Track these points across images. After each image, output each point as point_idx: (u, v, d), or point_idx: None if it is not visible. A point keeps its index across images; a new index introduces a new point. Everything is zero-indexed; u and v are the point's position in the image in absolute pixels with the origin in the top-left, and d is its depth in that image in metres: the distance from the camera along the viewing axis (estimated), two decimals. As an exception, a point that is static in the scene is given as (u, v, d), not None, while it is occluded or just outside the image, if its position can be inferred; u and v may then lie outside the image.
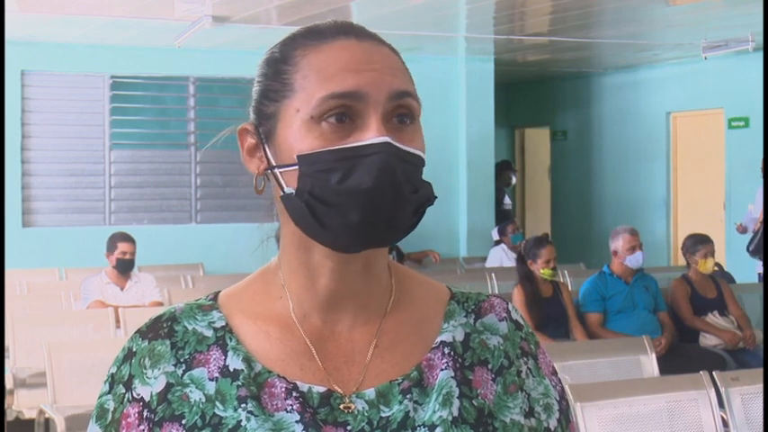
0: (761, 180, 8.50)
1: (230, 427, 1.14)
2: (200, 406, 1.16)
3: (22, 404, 5.99)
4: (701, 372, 4.22)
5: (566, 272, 8.13)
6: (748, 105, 10.73)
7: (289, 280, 1.22)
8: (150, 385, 1.18)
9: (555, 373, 1.30)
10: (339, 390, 1.18)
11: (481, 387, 1.21)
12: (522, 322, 1.29)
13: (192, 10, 8.05)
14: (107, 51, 9.82)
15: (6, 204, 9.01)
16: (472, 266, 9.86)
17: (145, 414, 1.18)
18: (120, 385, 1.20)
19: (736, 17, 8.60)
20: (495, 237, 10.33)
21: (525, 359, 1.26)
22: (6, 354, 6.14)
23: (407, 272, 1.30)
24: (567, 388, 3.92)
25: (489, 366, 1.23)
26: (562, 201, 13.71)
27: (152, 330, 1.21)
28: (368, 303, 1.22)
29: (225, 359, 1.18)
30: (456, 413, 1.17)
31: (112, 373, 1.22)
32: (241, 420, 1.14)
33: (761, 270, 8.34)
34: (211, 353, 1.19)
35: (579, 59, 11.71)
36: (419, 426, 1.16)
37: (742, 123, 10.97)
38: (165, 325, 1.21)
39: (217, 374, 1.18)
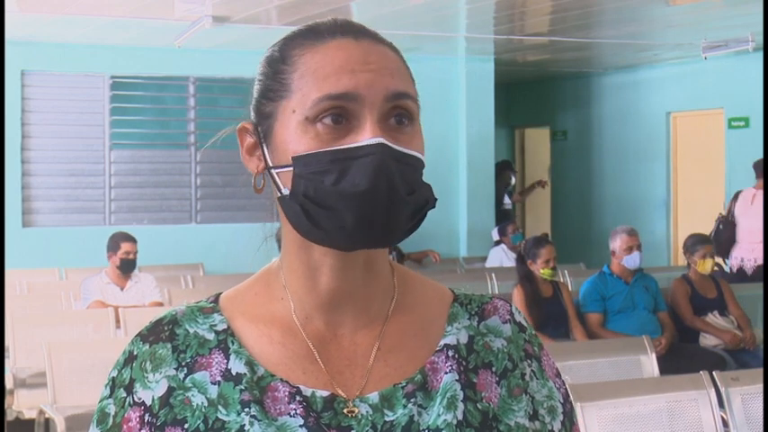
0: (756, 181, 8.52)
1: (233, 431, 1.14)
2: (203, 410, 1.15)
3: (22, 404, 5.99)
4: (700, 372, 4.21)
5: (566, 272, 8.13)
6: (748, 105, 10.73)
7: (290, 280, 1.21)
8: (151, 389, 1.17)
9: (559, 375, 1.29)
10: (342, 394, 1.17)
11: (485, 390, 1.20)
12: (525, 324, 1.29)
13: (192, 10, 8.05)
14: (107, 51, 9.82)
15: (6, 204, 9.01)
16: (472, 266, 9.86)
17: (146, 418, 1.17)
18: (122, 389, 1.19)
19: (736, 17, 8.60)
20: (496, 237, 10.33)
21: (529, 362, 1.26)
22: (6, 354, 6.14)
23: (410, 273, 1.29)
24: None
25: (493, 369, 1.22)
26: (562, 201, 13.71)
27: (153, 333, 1.20)
28: (370, 304, 1.21)
29: (227, 363, 1.18)
30: (461, 417, 1.17)
31: (113, 377, 1.21)
32: (244, 425, 1.13)
33: (738, 264, 8.37)
34: (213, 356, 1.18)
35: (579, 59, 11.71)
36: (424, 430, 1.15)
37: (742, 123, 10.97)
38: (166, 328, 1.20)
39: (219, 378, 1.17)
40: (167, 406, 1.16)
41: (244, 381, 1.16)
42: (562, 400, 1.27)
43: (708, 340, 6.71)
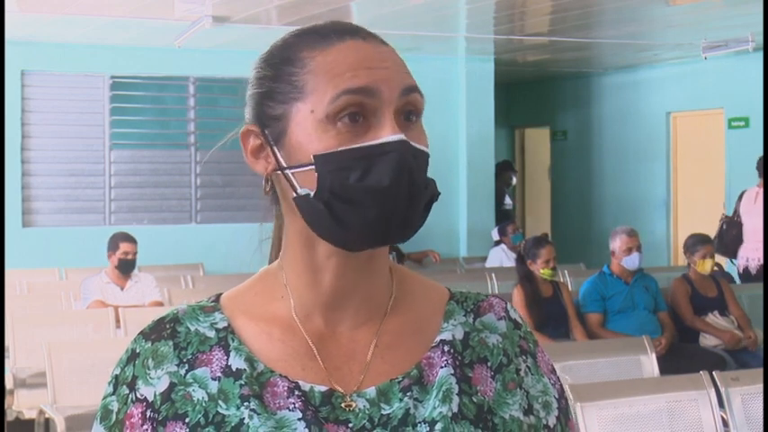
0: (758, 180, 8.52)
1: (233, 425, 1.16)
2: (203, 405, 1.18)
3: (22, 404, 5.99)
4: (701, 372, 4.21)
5: (566, 272, 8.13)
6: (748, 105, 10.73)
7: (291, 279, 1.23)
8: (153, 385, 1.20)
9: (554, 371, 1.31)
10: (340, 389, 1.19)
11: (480, 384, 1.22)
12: (520, 321, 1.30)
13: (192, 10, 8.05)
14: (107, 51, 9.82)
15: (6, 204, 9.01)
16: (472, 266, 9.86)
17: (148, 414, 1.19)
18: (124, 386, 1.21)
19: (736, 17, 8.60)
20: (496, 237, 10.33)
21: (524, 357, 1.27)
22: (6, 354, 6.14)
23: (408, 273, 1.31)
24: (567, 388, 3.93)
25: (489, 364, 1.24)
26: (562, 201, 13.71)
27: (155, 332, 1.23)
28: (369, 302, 1.23)
29: (227, 359, 1.20)
30: (456, 409, 1.18)
31: (116, 375, 1.23)
32: (244, 418, 1.16)
33: (744, 263, 8.38)
34: (214, 353, 1.20)
35: (579, 59, 11.71)
36: (420, 422, 1.17)
37: (742, 123, 10.96)
38: (167, 326, 1.23)
39: (219, 374, 1.19)
40: (169, 401, 1.19)
41: (243, 376, 1.18)
42: (557, 396, 1.28)
43: (708, 340, 6.71)
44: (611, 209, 12.68)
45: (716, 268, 7.26)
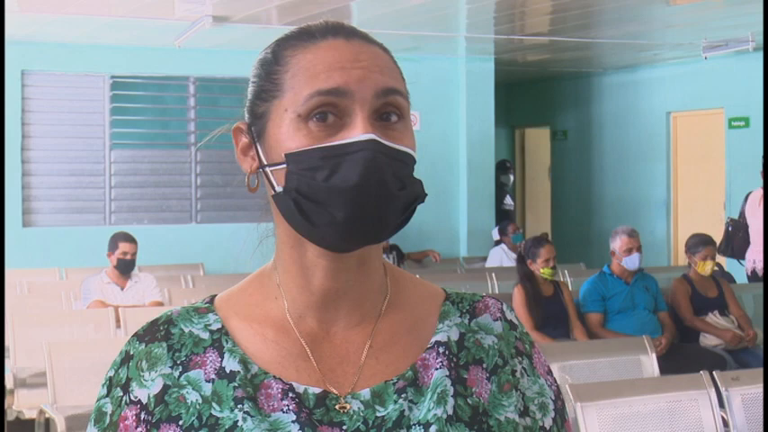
0: (761, 181, 8.50)
1: (227, 427, 1.15)
2: (197, 407, 1.17)
3: (22, 404, 5.99)
4: (701, 372, 4.22)
5: (566, 272, 8.13)
6: (748, 105, 10.73)
7: (284, 280, 1.23)
8: (147, 387, 1.19)
9: (550, 372, 1.30)
10: (334, 391, 1.18)
11: (476, 386, 1.22)
12: (516, 322, 1.30)
13: (192, 10, 8.05)
14: (107, 51, 9.83)
15: (6, 204, 9.01)
16: (472, 266, 9.86)
17: (142, 416, 1.18)
18: (118, 388, 1.21)
19: (736, 17, 8.60)
20: (496, 237, 10.33)
21: (520, 358, 1.27)
22: (6, 354, 6.14)
23: (402, 273, 1.30)
24: (567, 388, 3.93)
25: (484, 366, 1.23)
26: (562, 201, 13.71)
27: (149, 333, 1.22)
28: (362, 303, 1.23)
29: (221, 361, 1.19)
30: (450, 411, 1.18)
31: (110, 377, 1.23)
32: (237, 421, 1.15)
33: (752, 266, 8.37)
34: (208, 355, 1.20)
35: (579, 59, 11.71)
36: (414, 424, 1.17)
37: (742, 123, 10.96)
38: (161, 328, 1.22)
39: (213, 376, 1.18)
40: (162, 403, 1.18)
41: (237, 378, 1.18)
42: (554, 397, 1.28)
43: (708, 340, 6.70)
44: (611, 209, 12.68)
45: (716, 268, 7.26)
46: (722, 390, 4.17)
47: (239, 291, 1.27)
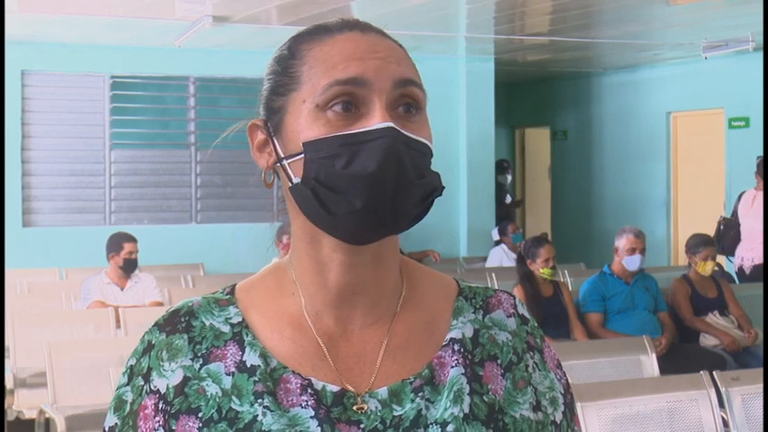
0: (756, 182, 8.60)
1: (246, 421, 1.16)
2: (217, 400, 1.17)
3: (22, 404, 5.99)
4: (701, 372, 4.21)
5: (566, 272, 8.13)
6: (748, 105, 10.72)
7: (300, 276, 1.23)
8: (167, 378, 1.19)
9: (560, 366, 1.31)
10: (352, 389, 1.19)
11: (492, 383, 1.22)
12: (527, 316, 1.30)
13: (192, 10, 8.05)
14: (107, 51, 9.83)
15: (6, 204, 9.01)
16: (472, 266, 9.86)
17: (160, 406, 1.19)
18: (140, 377, 1.21)
19: (736, 17, 8.60)
20: (496, 237, 10.33)
21: (532, 353, 1.27)
22: (6, 354, 6.14)
23: (415, 266, 1.30)
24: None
25: (498, 362, 1.24)
26: (562, 201, 13.71)
27: (170, 324, 1.22)
28: (378, 301, 1.22)
29: (242, 354, 1.20)
30: (467, 410, 1.18)
31: (131, 365, 1.23)
32: (257, 415, 1.16)
33: (740, 263, 8.53)
34: (228, 348, 1.20)
35: (579, 59, 11.71)
36: (431, 423, 1.17)
37: (742, 123, 10.96)
38: (182, 320, 1.22)
39: (233, 369, 1.19)
40: (182, 395, 1.18)
41: (258, 372, 1.18)
42: (563, 391, 1.28)
43: (708, 340, 6.71)
44: (612, 209, 12.67)
45: (716, 268, 7.28)
46: (722, 390, 4.17)
47: (259, 282, 1.26)
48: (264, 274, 1.27)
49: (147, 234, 8.96)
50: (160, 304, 6.93)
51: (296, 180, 1.17)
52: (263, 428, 1.15)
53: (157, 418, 1.18)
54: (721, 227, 8.73)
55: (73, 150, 9.91)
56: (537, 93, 14.05)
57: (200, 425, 1.16)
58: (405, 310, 1.24)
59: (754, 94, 10.30)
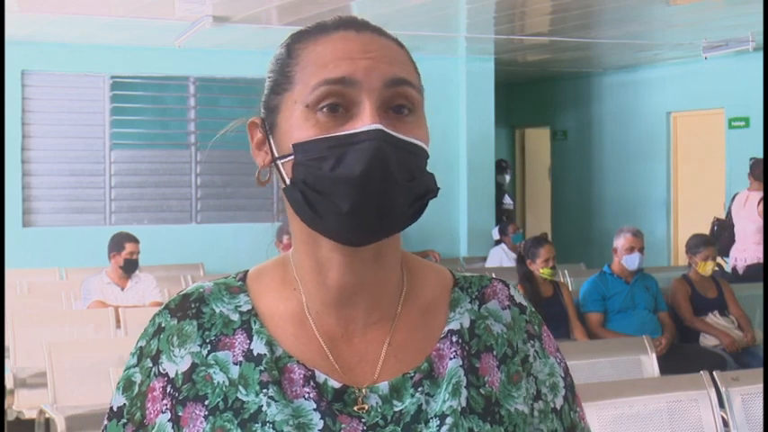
0: (749, 183, 8.69)
1: (251, 411, 1.16)
2: (224, 389, 1.18)
3: (22, 404, 5.99)
4: (701, 372, 4.21)
5: (566, 272, 8.13)
6: (748, 105, 10.73)
7: (301, 274, 1.23)
8: (176, 363, 1.20)
9: (558, 350, 1.32)
10: (353, 386, 1.19)
11: (488, 374, 1.22)
12: (525, 303, 1.30)
13: (192, 10, 8.05)
14: (107, 51, 9.83)
15: (6, 204, 9.01)
16: (472, 266, 9.86)
17: (168, 389, 1.19)
18: (149, 359, 1.22)
19: (736, 17, 8.60)
20: (496, 236, 10.33)
21: (532, 342, 1.28)
22: (6, 354, 6.14)
23: (413, 259, 1.30)
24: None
25: (494, 353, 1.24)
26: (562, 201, 13.71)
27: (180, 309, 1.23)
28: (380, 300, 1.22)
29: (250, 343, 1.20)
30: (464, 403, 1.18)
31: (141, 347, 1.24)
32: (262, 406, 1.16)
33: (733, 263, 8.60)
34: (236, 337, 1.21)
35: (579, 59, 11.71)
36: (431, 417, 1.18)
37: (742, 123, 10.96)
38: (193, 306, 1.23)
39: (241, 358, 1.19)
40: (190, 381, 1.19)
41: (264, 361, 1.18)
42: (563, 374, 1.29)
43: (708, 340, 6.71)
44: (611, 209, 12.67)
45: (716, 268, 7.28)
46: (722, 390, 4.17)
47: (268, 270, 1.27)
48: (274, 262, 1.27)
49: (148, 234, 8.95)
50: (160, 304, 6.91)
51: (288, 181, 1.17)
52: (268, 419, 1.15)
53: (165, 401, 1.19)
54: (715, 228, 8.81)
55: (73, 150, 9.91)
56: (537, 93, 14.05)
57: (207, 413, 1.17)
58: (406, 308, 1.24)
59: (754, 94, 10.30)
